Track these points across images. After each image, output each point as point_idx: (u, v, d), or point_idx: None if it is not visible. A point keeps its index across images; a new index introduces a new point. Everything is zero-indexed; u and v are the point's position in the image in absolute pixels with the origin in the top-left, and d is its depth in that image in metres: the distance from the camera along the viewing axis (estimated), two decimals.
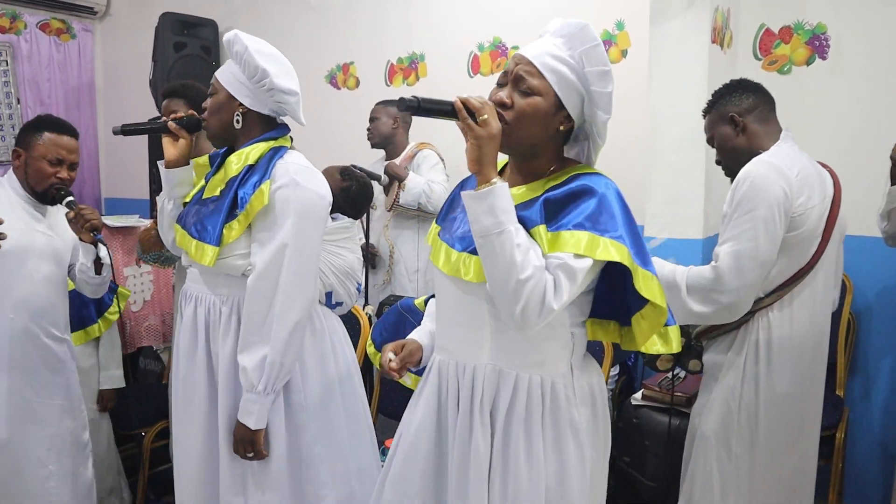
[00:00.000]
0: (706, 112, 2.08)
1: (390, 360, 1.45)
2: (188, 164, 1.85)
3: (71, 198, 2.15)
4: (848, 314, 2.79)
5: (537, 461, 1.32)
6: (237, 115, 1.75)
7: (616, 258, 1.22)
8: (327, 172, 2.35)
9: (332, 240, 2.10)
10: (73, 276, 2.32)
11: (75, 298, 2.69)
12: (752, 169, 1.85)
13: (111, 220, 3.34)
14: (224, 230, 1.70)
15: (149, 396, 3.04)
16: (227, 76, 1.76)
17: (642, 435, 2.47)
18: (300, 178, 1.71)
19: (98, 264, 2.18)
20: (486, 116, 1.21)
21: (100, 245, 2.15)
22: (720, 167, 2.10)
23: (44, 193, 2.17)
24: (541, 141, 1.34)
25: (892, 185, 2.23)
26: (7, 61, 4.92)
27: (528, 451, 1.32)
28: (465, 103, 1.21)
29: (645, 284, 1.24)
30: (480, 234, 1.21)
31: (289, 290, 1.69)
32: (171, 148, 1.82)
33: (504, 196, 1.21)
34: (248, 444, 1.72)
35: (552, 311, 1.20)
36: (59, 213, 2.25)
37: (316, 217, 1.75)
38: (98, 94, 5.53)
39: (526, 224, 1.26)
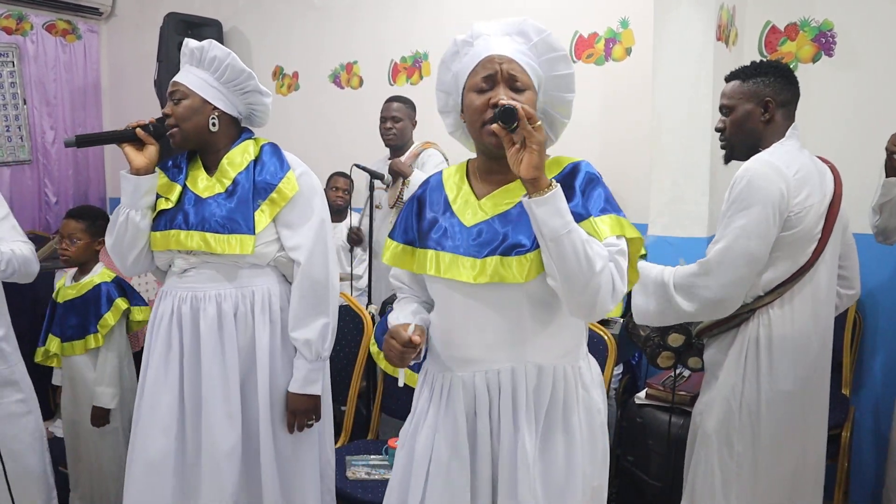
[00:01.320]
0: (739, 77, 1.97)
1: (414, 335, 1.36)
2: (155, 171, 1.84)
3: None
4: (854, 313, 2.77)
5: (574, 448, 1.37)
6: (213, 118, 1.82)
7: (637, 234, 1.34)
8: None
9: None
10: None
11: (80, 306, 2.66)
12: (750, 167, 1.84)
13: None
14: (255, 218, 1.79)
15: None
16: (195, 81, 1.82)
17: (646, 434, 2.46)
18: (307, 166, 1.90)
19: None
20: (539, 122, 1.23)
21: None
22: (720, 143, 2.03)
23: None
24: None
25: (886, 176, 2.22)
26: (13, 62, 4.95)
27: (566, 441, 1.38)
28: (523, 110, 1.21)
29: (630, 229, 1.35)
30: (551, 236, 1.22)
31: (333, 260, 1.88)
32: (138, 156, 1.80)
33: (563, 196, 1.24)
34: (312, 411, 1.85)
35: (622, 293, 1.29)
36: None
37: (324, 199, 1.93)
38: (104, 94, 5.56)
39: (575, 218, 1.28)
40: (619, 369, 3.00)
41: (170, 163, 1.92)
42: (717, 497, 1.93)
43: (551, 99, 1.41)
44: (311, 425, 1.87)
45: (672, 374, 2.42)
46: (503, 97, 1.28)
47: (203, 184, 1.85)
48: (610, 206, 1.33)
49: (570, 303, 1.28)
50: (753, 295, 1.88)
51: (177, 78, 1.84)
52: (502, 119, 1.21)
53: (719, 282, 1.79)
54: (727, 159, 2.03)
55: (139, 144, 1.81)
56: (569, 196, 1.30)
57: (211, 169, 1.87)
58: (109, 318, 2.59)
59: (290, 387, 1.83)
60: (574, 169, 1.37)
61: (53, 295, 2.72)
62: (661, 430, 2.39)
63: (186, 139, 1.83)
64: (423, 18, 3.97)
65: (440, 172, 1.51)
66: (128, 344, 2.77)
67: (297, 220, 1.82)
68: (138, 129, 1.80)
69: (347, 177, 3.45)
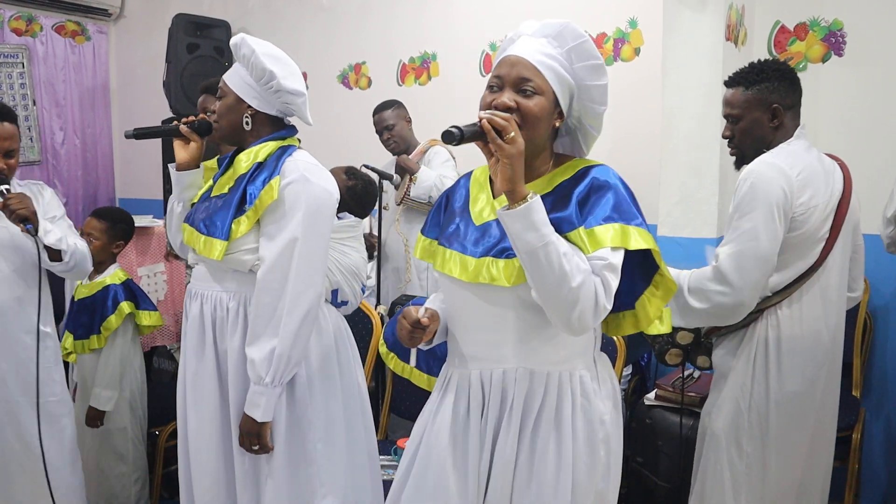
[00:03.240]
0: (742, 84, 1.94)
1: (423, 316, 1.37)
2: (198, 166, 1.87)
3: (5, 186, 2.01)
4: (864, 314, 2.76)
5: (566, 456, 1.33)
6: (246, 116, 1.79)
7: (644, 245, 1.26)
8: (333, 172, 2.34)
9: (339, 238, 2.11)
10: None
11: (90, 306, 2.65)
12: (753, 169, 1.84)
13: None
14: (233, 225, 1.72)
15: (163, 396, 3.04)
16: (234, 79, 1.80)
17: (655, 435, 2.46)
18: (309, 174, 1.75)
19: (54, 251, 2.06)
20: (513, 133, 1.20)
21: (39, 234, 2.00)
22: (729, 149, 2.02)
23: None
24: (542, 140, 1.35)
25: None
26: (23, 63, 4.98)
27: (558, 448, 1.33)
28: (490, 122, 1.20)
29: (662, 262, 1.29)
30: (525, 250, 1.20)
31: (298, 284, 1.71)
32: (182, 151, 1.85)
33: (541, 209, 1.21)
34: (255, 436, 1.73)
35: (606, 310, 1.24)
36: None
37: (326, 212, 1.78)
38: (112, 95, 5.58)
39: (562, 227, 1.26)
40: (628, 370, 2.99)
41: (228, 157, 1.92)
42: (726, 498, 1.93)
43: (584, 109, 1.37)
44: (256, 451, 1.75)
45: (681, 374, 2.42)
46: (505, 100, 1.28)
47: (222, 181, 1.85)
48: (618, 214, 1.26)
49: (548, 314, 1.26)
50: (762, 295, 1.88)
51: (223, 75, 1.84)
52: (443, 139, 1.21)
53: (734, 288, 1.79)
54: (738, 165, 2.02)
55: (185, 140, 1.85)
56: (564, 204, 1.30)
57: None
58: (113, 320, 2.61)
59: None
60: (582, 175, 1.33)
61: (73, 292, 2.74)
62: (671, 431, 2.39)
63: (224, 136, 1.84)
64: (432, 19, 3.97)
65: (472, 171, 1.50)
66: (135, 347, 2.78)
67: (270, 231, 1.73)
68: (182, 126, 1.83)
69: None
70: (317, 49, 4.44)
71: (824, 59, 2.88)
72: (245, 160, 1.79)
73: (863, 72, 2.80)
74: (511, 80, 1.30)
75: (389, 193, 3.37)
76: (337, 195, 1.82)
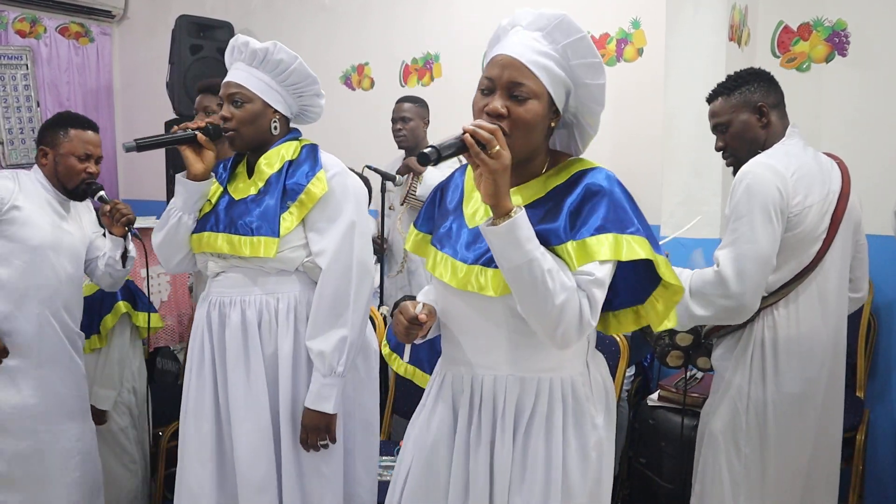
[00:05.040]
0: (722, 94, 1.97)
1: (421, 313, 1.32)
2: (211, 176, 1.82)
3: (102, 192, 2.21)
4: (868, 314, 2.74)
5: (556, 459, 1.30)
6: (274, 121, 1.80)
7: (642, 255, 1.20)
8: None
9: None
10: (89, 272, 2.35)
11: (88, 306, 2.66)
12: (747, 170, 1.84)
13: None
14: (281, 221, 1.72)
15: (165, 397, 3.05)
16: (258, 84, 1.76)
17: (658, 436, 2.46)
18: (345, 169, 1.82)
19: (124, 257, 2.26)
20: (497, 147, 1.14)
21: (129, 238, 2.22)
22: (725, 160, 2.02)
23: (75, 189, 2.22)
24: (538, 142, 1.29)
25: None
26: (27, 65, 4.99)
27: (547, 451, 1.30)
28: (474, 136, 1.14)
29: (665, 270, 1.23)
30: (508, 266, 1.17)
31: (361, 270, 1.75)
32: (198, 161, 1.76)
33: (525, 224, 1.16)
34: (324, 430, 1.72)
35: (590, 326, 1.21)
36: (78, 211, 2.30)
37: (366, 204, 1.86)
38: (116, 96, 5.60)
39: (550, 239, 1.23)
40: (631, 371, 2.99)
41: (220, 165, 1.89)
42: (725, 499, 1.92)
43: (581, 107, 1.30)
44: (326, 446, 1.75)
45: (684, 375, 2.41)
46: (497, 105, 1.22)
47: (240, 185, 1.82)
48: (612, 223, 1.21)
49: (533, 328, 1.23)
50: None
51: (236, 79, 1.77)
52: (420, 162, 1.15)
53: (737, 291, 1.79)
54: (736, 174, 2.02)
55: (197, 147, 1.77)
56: (555, 215, 1.25)
57: (253, 170, 1.83)
58: (108, 320, 2.63)
59: (306, 401, 1.73)
60: (575, 180, 1.27)
61: None
62: (674, 432, 2.38)
63: (247, 143, 1.79)
64: (434, 19, 3.97)
65: (465, 166, 1.43)
66: (134, 347, 2.78)
67: (325, 223, 1.74)
68: (200, 135, 1.76)
69: None
70: (319, 50, 4.44)
71: (828, 60, 2.87)
72: (266, 163, 1.79)
73: (867, 72, 2.80)
74: (503, 83, 1.23)
75: (394, 194, 3.37)
76: None
